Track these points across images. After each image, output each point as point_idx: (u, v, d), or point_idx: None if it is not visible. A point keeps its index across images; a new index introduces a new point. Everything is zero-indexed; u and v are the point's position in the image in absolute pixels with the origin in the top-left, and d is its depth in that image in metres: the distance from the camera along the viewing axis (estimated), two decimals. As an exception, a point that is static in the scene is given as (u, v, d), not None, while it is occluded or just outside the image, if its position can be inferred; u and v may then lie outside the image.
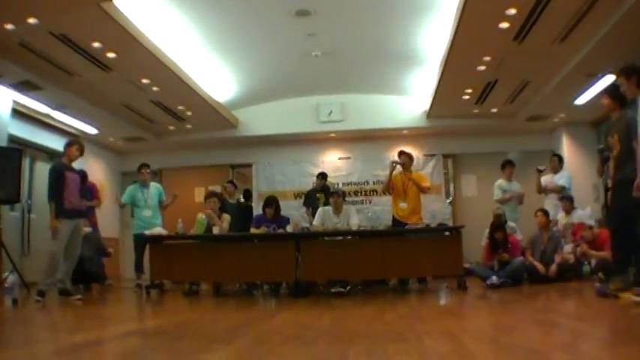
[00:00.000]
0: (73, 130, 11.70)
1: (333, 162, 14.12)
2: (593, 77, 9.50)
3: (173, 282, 9.83)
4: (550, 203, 10.29)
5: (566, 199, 9.87)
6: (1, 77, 8.81)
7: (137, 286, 9.56)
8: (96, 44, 8.16)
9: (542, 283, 8.77)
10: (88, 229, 8.99)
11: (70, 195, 7.70)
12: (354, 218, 9.21)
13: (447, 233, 9.00)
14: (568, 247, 9.46)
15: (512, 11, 7.44)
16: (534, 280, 9.03)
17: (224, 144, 14.09)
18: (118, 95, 10.50)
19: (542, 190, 10.46)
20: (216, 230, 9.02)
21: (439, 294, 8.51)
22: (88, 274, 9.32)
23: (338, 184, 13.25)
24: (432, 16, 8.80)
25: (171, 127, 12.95)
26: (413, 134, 13.72)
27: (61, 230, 7.50)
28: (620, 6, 7.22)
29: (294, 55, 10.61)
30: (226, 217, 9.37)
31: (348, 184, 13.75)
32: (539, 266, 9.05)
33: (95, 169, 12.65)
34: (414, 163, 10.06)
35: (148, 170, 10.19)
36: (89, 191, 9.92)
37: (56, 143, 10.68)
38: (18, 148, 9.23)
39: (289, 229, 9.17)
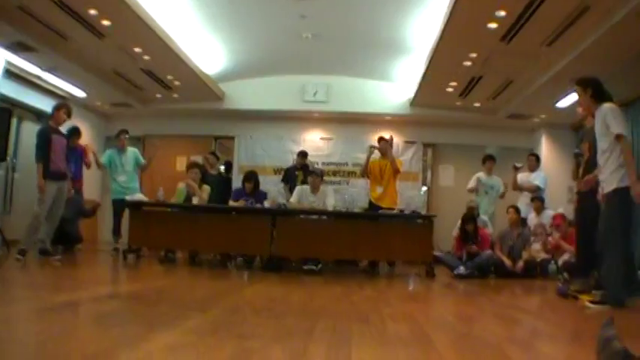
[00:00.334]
0: (61, 93, 11.70)
1: (314, 141, 14.20)
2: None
3: (149, 248, 9.91)
4: (523, 201, 10.46)
5: (537, 200, 10.01)
6: (-5, 37, 8.87)
7: (114, 250, 9.64)
8: (92, 11, 8.18)
9: (508, 277, 8.93)
10: (71, 192, 9.03)
11: (56, 157, 7.78)
12: (331, 199, 9.36)
13: (419, 221, 9.16)
14: (536, 246, 9.66)
15: (502, 13, 7.55)
16: (501, 274, 9.17)
17: (209, 115, 14.11)
18: (110, 61, 10.51)
19: (518, 188, 10.64)
20: (195, 200, 9.18)
21: (407, 279, 8.67)
22: (68, 235, 9.40)
23: (318, 163, 13.34)
24: (422, 8, 8.92)
25: (158, 95, 12.94)
26: (395, 120, 13.83)
27: (46, 191, 7.61)
28: (609, 17, 7.35)
29: (285, 34, 10.69)
30: (206, 188, 9.51)
31: (327, 165, 13.84)
32: (507, 261, 9.23)
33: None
34: (394, 149, 10.21)
35: (127, 136, 10.20)
36: (79, 153, 10.00)
37: (44, 104, 10.74)
38: (7, 108, 9.20)
39: (267, 204, 9.32)
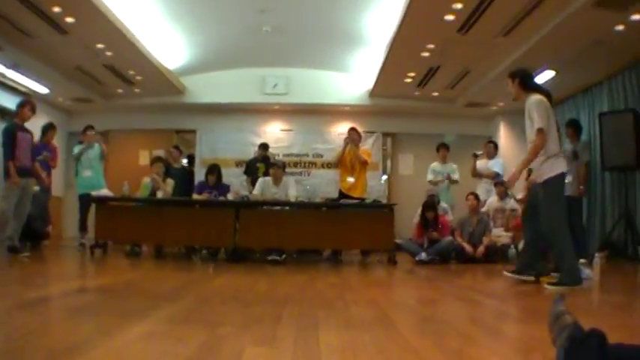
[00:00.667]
0: (24, 89, 11.69)
1: (275, 133, 14.30)
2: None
3: (115, 242, 9.89)
4: (482, 188, 10.61)
5: (500, 185, 10.10)
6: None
7: (81, 245, 9.62)
8: (56, 9, 8.21)
9: (469, 263, 9.08)
10: (36, 188, 8.97)
11: (21, 154, 7.82)
12: (293, 189, 9.42)
13: (380, 210, 9.31)
14: (497, 231, 9.85)
15: (459, 5, 7.74)
16: (462, 259, 9.33)
17: (170, 109, 14.12)
18: (72, 58, 10.52)
19: (477, 175, 10.81)
20: (160, 194, 9.21)
21: (369, 267, 8.80)
22: (35, 232, 9.36)
23: (279, 155, 13.34)
24: (380, 0, 9.07)
25: (120, 90, 12.95)
26: (355, 111, 13.99)
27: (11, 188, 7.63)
28: (563, 8, 7.58)
29: (244, 28, 10.78)
30: (170, 181, 9.56)
31: (288, 156, 13.92)
32: (467, 247, 9.39)
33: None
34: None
35: (93, 132, 10.14)
36: (50, 153, 10.01)
37: (8, 102, 10.79)
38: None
39: (230, 197, 9.38)
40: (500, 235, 9.81)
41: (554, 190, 5.71)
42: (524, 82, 6.04)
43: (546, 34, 8.32)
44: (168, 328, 3.16)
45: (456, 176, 10.75)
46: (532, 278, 6.02)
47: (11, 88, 11.36)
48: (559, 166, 5.69)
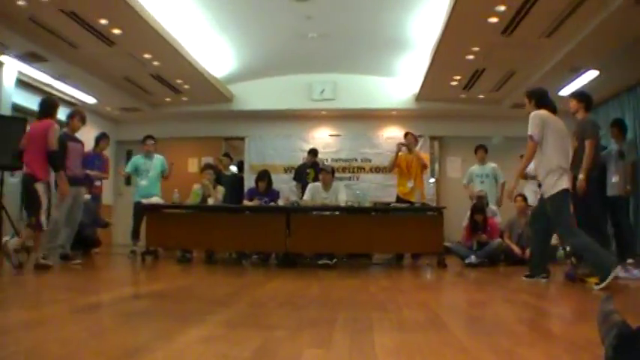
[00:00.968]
0: (72, 100, 11.93)
1: (323, 138, 14.42)
2: (576, 72, 9.89)
3: (165, 249, 10.07)
4: (530, 189, 10.59)
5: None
6: (8, 49, 9.11)
7: (132, 252, 9.80)
8: (103, 21, 8.43)
9: (518, 264, 8.97)
10: (87, 197, 9.19)
11: (72, 164, 8.00)
12: (342, 194, 9.49)
13: (429, 213, 9.34)
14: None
15: (502, 8, 7.78)
16: (511, 261, 9.34)
17: (218, 117, 14.34)
18: (120, 68, 10.77)
19: (525, 176, 10.75)
20: (210, 201, 9.37)
21: (419, 270, 8.81)
22: (86, 239, 9.60)
23: (327, 160, 13.45)
24: (424, 5, 9.16)
25: (168, 99, 13.21)
26: (401, 115, 14.04)
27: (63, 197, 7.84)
28: (605, 7, 7.56)
29: (291, 35, 10.92)
30: (221, 188, 9.72)
31: (336, 161, 14.03)
32: (516, 248, 9.43)
33: (91, 137, 12.82)
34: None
35: (152, 142, 10.38)
36: (102, 163, 10.24)
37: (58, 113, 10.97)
38: (22, 117, 9.42)
39: (280, 202, 9.53)
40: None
41: (558, 204, 6.14)
42: (540, 103, 6.45)
43: (588, 34, 8.30)
44: (225, 331, 3.25)
45: (500, 178, 10.74)
46: (544, 280, 6.42)
47: (60, 99, 11.50)
48: (562, 183, 6.10)
